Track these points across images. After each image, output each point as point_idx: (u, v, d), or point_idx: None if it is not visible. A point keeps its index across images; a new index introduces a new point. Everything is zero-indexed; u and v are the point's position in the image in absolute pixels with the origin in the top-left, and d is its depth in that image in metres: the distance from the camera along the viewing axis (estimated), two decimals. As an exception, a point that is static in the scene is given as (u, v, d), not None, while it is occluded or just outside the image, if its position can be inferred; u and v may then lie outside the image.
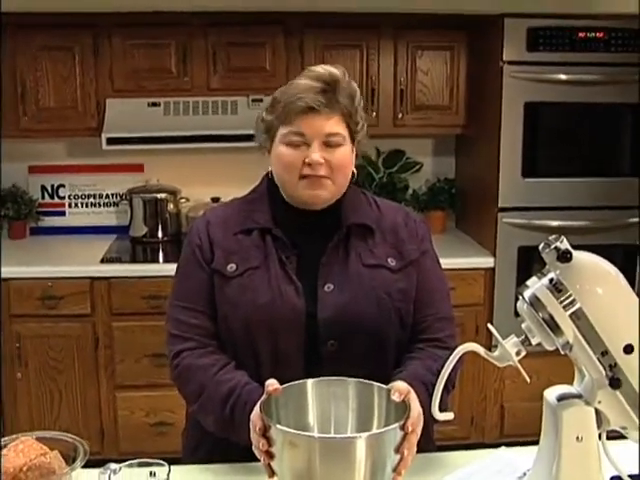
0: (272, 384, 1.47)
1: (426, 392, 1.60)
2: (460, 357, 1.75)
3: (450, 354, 1.43)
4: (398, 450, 1.41)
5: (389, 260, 1.78)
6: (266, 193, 1.83)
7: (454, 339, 1.80)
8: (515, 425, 3.84)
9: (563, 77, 3.63)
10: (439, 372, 1.65)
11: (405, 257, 1.80)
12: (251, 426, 1.46)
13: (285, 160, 1.73)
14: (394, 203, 1.98)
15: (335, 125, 1.71)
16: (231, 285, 1.74)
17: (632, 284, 1.35)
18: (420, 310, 1.80)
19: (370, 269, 1.76)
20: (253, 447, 1.45)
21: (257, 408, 1.46)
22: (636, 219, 3.77)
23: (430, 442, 1.84)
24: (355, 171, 1.82)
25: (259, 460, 1.45)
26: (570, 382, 1.44)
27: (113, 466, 1.46)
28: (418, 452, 1.66)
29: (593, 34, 3.63)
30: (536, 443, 1.48)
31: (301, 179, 1.72)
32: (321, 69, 1.73)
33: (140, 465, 1.46)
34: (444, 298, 1.86)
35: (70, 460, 1.49)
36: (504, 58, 3.62)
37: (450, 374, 1.73)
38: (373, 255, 1.78)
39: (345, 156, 1.74)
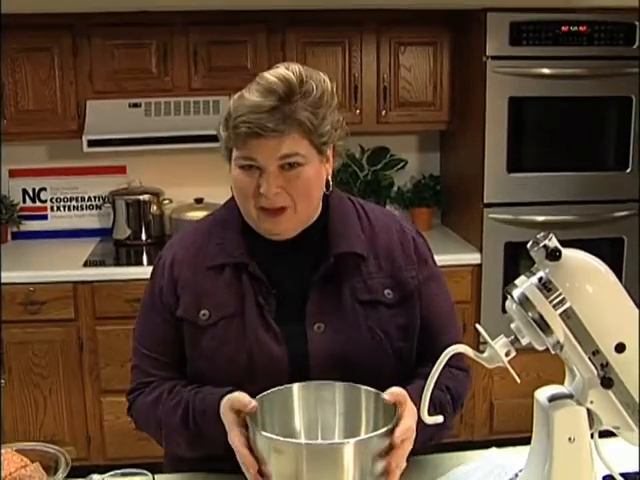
0: (250, 402, 1.39)
1: (431, 407, 1.46)
2: (469, 377, 1.73)
3: (437, 363, 1.37)
4: (386, 456, 1.37)
5: (386, 292, 1.62)
6: (237, 212, 1.63)
7: (465, 359, 1.64)
8: (504, 422, 3.83)
9: (546, 71, 3.63)
10: (447, 388, 1.62)
11: (403, 287, 1.64)
12: (234, 447, 1.38)
13: (239, 186, 1.56)
14: (386, 212, 1.81)
15: (291, 145, 1.49)
16: (205, 337, 1.60)
17: (619, 278, 1.33)
18: (432, 338, 1.66)
19: (365, 306, 1.60)
20: (242, 467, 1.38)
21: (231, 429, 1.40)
22: (622, 213, 3.77)
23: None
24: (330, 181, 1.63)
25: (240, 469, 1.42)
26: (559, 378, 1.42)
27: (95, 477, 1.43)
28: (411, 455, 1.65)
29: (576, 28, 3.62)
30: (526, 440, 1.46)
31: (258, 210, 1.54)
32: (274, 78, 1.49)
33: (123, 475, 1.43)
34: (453, 319, 1.76)
35: (52, 471, 1.46)
36: (487, 53, 3.61)
37: (460, 392, 1.68)
38: (368, 288, 1.61)
39: (308, 179, 1.53)
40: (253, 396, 1.45)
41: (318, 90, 1.52)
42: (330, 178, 1.64)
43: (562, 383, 1.42)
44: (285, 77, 1.49)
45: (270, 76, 1.50)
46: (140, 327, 1.74)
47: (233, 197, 1.65)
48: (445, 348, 1.59)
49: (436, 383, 1.45)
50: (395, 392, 1.41)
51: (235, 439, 1.39)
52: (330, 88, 1.55)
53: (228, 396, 1.45)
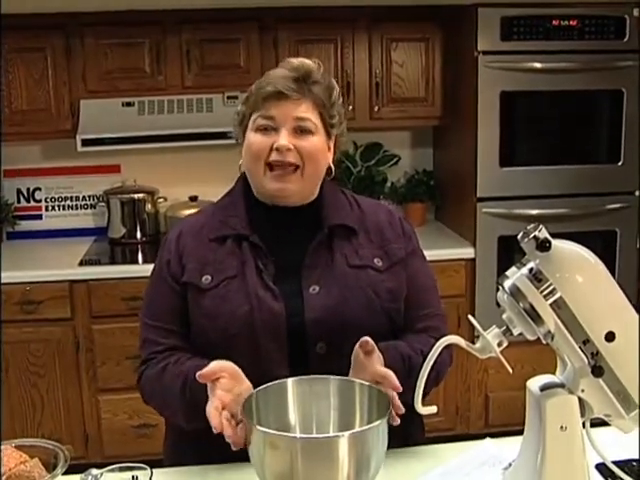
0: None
1: (399, 358, 1.64)
2: (450, 354, 1.77)
3: (429, 356, 1.40)
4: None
5: (375, 260, 1.75)
6: (241, 195, 1.79)
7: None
8: (500, 415, 3.85)
9: (538, 65, 3.64)
10: (422, 352, 1.65)
11: (391, 257, 1.77)
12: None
13: (253, 147, 1.69)
14: (374, 200, 1.96)
15: (306, 110, 1.68)
16: (207, 297, 1.69)
17: (612, 271, 1.34)
18: (414, 309, 1.77)
19: (356, 270, 1.72)
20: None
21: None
22: (614, 205, 3.79)
23: (420, 431, 1.85)
24: (332, 167, 1.78)
25: (243, 461, 1.43)
26: (554, 370, 1.44)
27: (94, 472, 1.44)
28: (405, 445, 1.69)
29: (566, 22, 3.64)
30: (521, 433, 1.47)
31: (268, 170, 1.68)
32: (296, 61, 1.72)
33: (122, 469, 1.44)
34: (435, 295, 1.85)
35: (51, 467, 1.46)
36: (479, 48, 3.62)
37: (441, 370, 1.73)
38: (359, 256, 1.74)
39: (316, 145, 1.70)
40: (254, 353, 1.60)
41: (330, 84, 1.75)
42: (332, 165, 1.79)
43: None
44: (306, 62, 1.72)
45: (294, 60, 1.73)
46: (148, 300, 1.81)
47: (237, 183, 1.83)
48: (428, 318, 1.77)
49: (410, 345, 1.68)
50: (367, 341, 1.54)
51: (208, 405, 1.45)
52: (338, 90, 1.78)
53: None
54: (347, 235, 1.76)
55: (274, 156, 1.67)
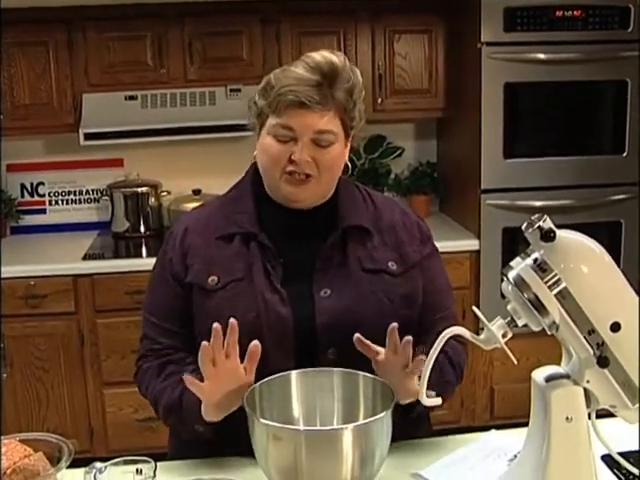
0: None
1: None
2: (465, 349, 1.79)
3: (434, 347, 1.38)
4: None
5: (390, 264, 1.71)
6: (250, 190, 1.74)
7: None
8: (505, 407, 3.84)
9: (542, 56, 3.63)
10: (450, 359, 1.68)
11: (406, 260, 1.73)
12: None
13: (270, 153, 1.64)
14: (388, 198, 1.93)
15: (328, 122, 1.61)
16: (213, 299, 1.65)
17: (616, 262, 1.33)
18: (432, 312, 1.75)
19: (370, 274, 1.68)
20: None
21: None
22: (619, 196, 3.78)
23: (426, 424, 1.84)
24: (349, 165, 1.74)
25: (246, 456, 1.43)
26: (559, 361, 1.43)
27: (98, 465, 1.43)
28: (410, 438, 1.68)
29: (570, 12, 3.62)
30: (526, 425, 1.46)
31: (284, 174, 1.63)
32: (320, 57, 1.62)
33: (126, 463, 1.44)
34: (451, 295, 1.85)
35: (55, 461, 1.46)
36: (482, 39, 3.60)
37: (459, 361, 1.75)
38: (373, 260, 1.70)
39: (335, 156, 1.65)
40: (260, 358, 1.52)
41: (354, 79, 1.65)
42: (348, 163, 1.74)
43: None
44: (330, 59, 1.62)
45: (317, 56, 1.63)
46: (149, 297, 1.79)
47: (244, 178, 1.79)
48: (444, 320, 1.72)
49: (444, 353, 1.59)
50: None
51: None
52: (361, 82, 1.68)
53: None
54: (361, 237, 1.72)
55: (291, 167, 1.61)
